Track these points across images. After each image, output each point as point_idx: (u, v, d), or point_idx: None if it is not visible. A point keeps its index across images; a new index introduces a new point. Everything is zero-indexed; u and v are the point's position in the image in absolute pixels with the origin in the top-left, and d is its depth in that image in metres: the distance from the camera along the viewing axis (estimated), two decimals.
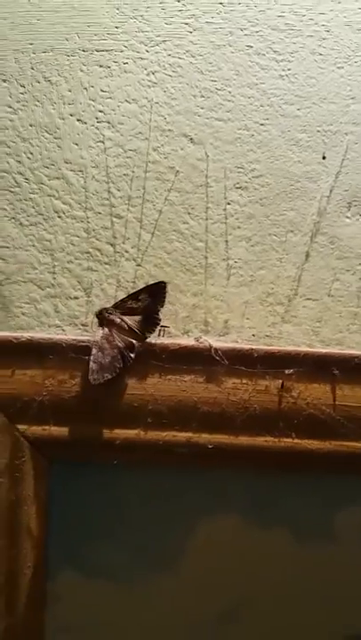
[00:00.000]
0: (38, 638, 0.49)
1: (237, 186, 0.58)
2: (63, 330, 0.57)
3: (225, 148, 0.59)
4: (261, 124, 0.59)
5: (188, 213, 0.58)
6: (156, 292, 0.51)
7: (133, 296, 0.52)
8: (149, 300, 0.52)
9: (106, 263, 0.58)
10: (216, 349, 0.49)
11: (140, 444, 0.49)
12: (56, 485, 0.50)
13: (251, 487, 0.51)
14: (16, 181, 0.58)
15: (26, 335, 0.50)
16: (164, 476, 0.51)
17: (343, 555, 0.51)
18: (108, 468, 0.51)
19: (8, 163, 0.58)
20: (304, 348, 0.51)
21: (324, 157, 0.58)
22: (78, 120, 0.58)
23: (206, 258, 0.58)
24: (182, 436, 0.49)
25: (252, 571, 0.52)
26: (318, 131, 0.58)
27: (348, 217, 0.58)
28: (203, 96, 0.58)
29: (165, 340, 0.50)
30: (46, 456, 0.50)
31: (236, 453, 0.49)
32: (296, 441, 0.49)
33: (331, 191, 0.58)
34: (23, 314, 0.57)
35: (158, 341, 0.50)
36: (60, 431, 0.49)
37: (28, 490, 0.49)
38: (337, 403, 0.49)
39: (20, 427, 0.49)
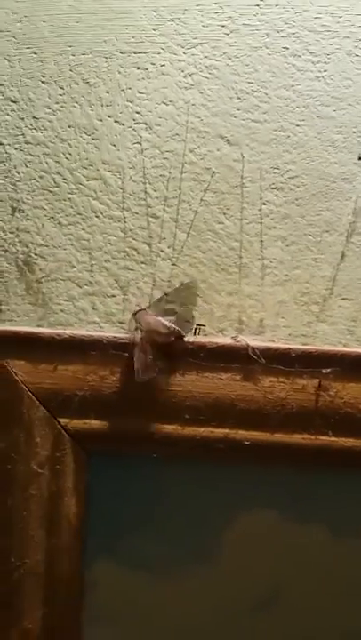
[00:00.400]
0: (75, 627, 0.51)
1: (273, 186, 0.59)
2: (101, 327, 0.58)
3: (261, 149, 0.60)
4: (297, 126, 0.60)
5: (224, 214, 0.59)
6: (186, 293, 0.53)
7: (168, 296, 0.53)
8: (182, 300, 0.53)
9: (142, 262, 0.59)
10: (253, 348, 0.50)
11: (178, 438, 0.51)
12: (95, 478, 0.52)
13: (288, 483, 0.52)
14: (55, 182, 0.60)
15: (68, 332, 0.52)
16: (202, 470, 0.52)
17: None
18: (146, 461, 0.52)
19: (47, 163, 0.60)
20: (341, 348, 0.52)
21: (359, 158, 0.59)
22: (116, 121, 0.60)
23: (241, 257, 0.59)
24: (219, 432, 0.50)
25: (287, 563, 0.52)
26: (354, 132, 0.59)
27: None
28: (239, 98, 0.60)
29: (202, 339, 0.51)
30: (86, 449, 0.51)
31: (273, 450, 0.50)
32: (333, 439, 0.50)
33: None
34: (62, 310, 0.59)
35: (196, 340, 0.51)
36: (99, 425, 0.51)
37: (68, 482, 0.51)
38: None
39: (62, 420, 0.51)
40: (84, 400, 0.50)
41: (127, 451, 0.51)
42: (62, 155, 0.60)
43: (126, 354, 0.51)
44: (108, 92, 0.59)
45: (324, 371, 0.50)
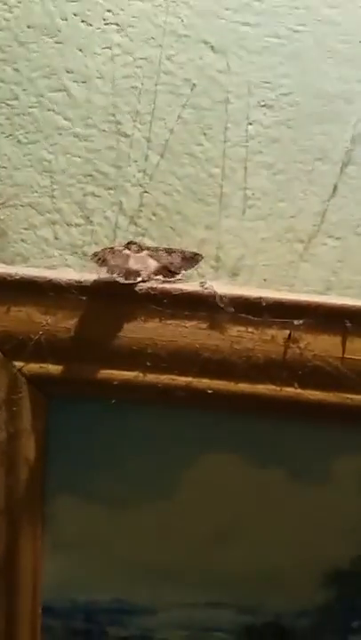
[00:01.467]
0: (37, 555, 0.52)
1: (262, 104, 0.53)
2: (65, 259, 0.55)
3: (250, 59, 0.53)
4: (295, 32, 0.52)
5: (204, 134, 0.54)
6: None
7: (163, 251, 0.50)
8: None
9: (109, 188, 0.54)
10: (221, 296, 0.47)
11: (139, 385, 0.48)
12: (54, 420, 0.51)
13: (250, 430, 0.51)
14: (14, 93, 0.54)
15: (20, 272, 0.48)
16: (164, 414, 0.50)
17: (334, 495, 0.52)
18: (106, 404, 0.51)
19: (3, 71, 0.54)
20: (316, 298, 0.48)
21: None
22: (83, 21, 0.53)
23: (222, 186, 0.54)
24: (182, 380, 0.48)
25: (245, 501, 0.53)
26: None
27: None
28: None
29: (167, 285, 0.48)
30: (44, 392, 0.50)
31: (236, 400, 0.48)
32: (299, 391, 0.48)
33: None
34: (22, 240, 0.55)
35: (159, 286, 0.48)
36: (57, 369, 0.48)
37: (25, 423, 0.49)
38: (346, 356, 0.47)
39: (17, 363, 0.49)
40: (40, 344, 0.48)
41: (86, 396, 0.50)
42: (21, 61, 0.53)
43: (84, 297, 0.48)
44: None
45: (295, 322, 0.46)
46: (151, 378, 0.47)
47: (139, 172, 0.52)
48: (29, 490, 0.49)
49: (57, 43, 0.52)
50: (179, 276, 0.47)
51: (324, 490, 0.52)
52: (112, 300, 0.47)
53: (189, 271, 0.52)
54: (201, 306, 0.46)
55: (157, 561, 0.53)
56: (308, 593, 0.54)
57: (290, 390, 0.46)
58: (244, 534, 0.53)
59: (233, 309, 0.45)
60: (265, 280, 0.51)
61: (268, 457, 0.52)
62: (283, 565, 0.53)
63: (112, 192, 0.53)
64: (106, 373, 0.47)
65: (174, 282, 0.47)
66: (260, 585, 0.54)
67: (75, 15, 0.51)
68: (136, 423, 0.51)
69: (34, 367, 0.48)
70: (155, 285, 0.46)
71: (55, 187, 0.53)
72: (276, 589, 0.54)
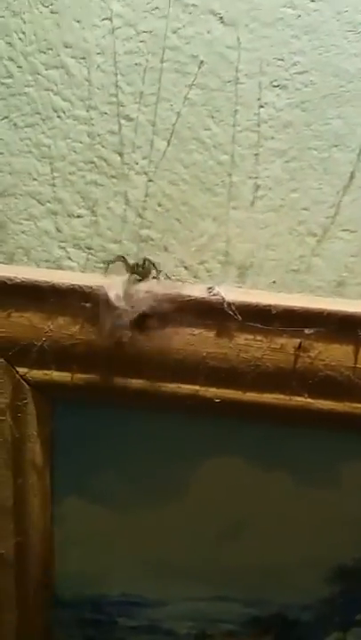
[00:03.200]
0: (47, 552, 0.56)
1: (275, 84, 0.50)
2: (67, 252, 0.55)
3: (262, 33, 0.49)
4: (312, 0, 0.49)
5: (212, 117, 0.51)
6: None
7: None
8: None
9: (112, 176, 0.53)
10: (230, 304, 0.47)
11: (145, 394, 0.49)
12: (60, 424, 0.53)
13: (256, 436, 0.51)
14: (8, 70, 0.52)
15: (21, 276, 0.48)
16: (171, 419, 0.52)
17: (340, 498, 0.53)
18: (112, 410, 0.52)
19: None
20: (328, 306, 0.48)
21: None
22: None
23: (230, 175, 0.52)
24: (188, 388, 0.49)
25: (249, 503, 0.54)
26: None
27: None
28: None
29: (173, 291, 0.48)
30: (49, 398, 0.51)
31: (244, 409, 0.49)
32: (309, 400, 0.49)
33: None
34: (23, 232, 0.55)
35: (167, 292, 0.48)
36: (61, 376, 0.49)
37: (31, 429, 0.51)
38: (358, 365, 0.48)
39: (20, 369, 0.50)
40: (43, 350, 0.49)
41: (91, 402, 0.51)
42: (15, 34, 0.50)
43: (89, 304, 0.48)
44: None
45: (306, 331, 0.47)
46: (157, 387, 0.48)
47: (143, 158, 0.51)
48: (38, 493, 0.52)
49: (52, 13, 0.49)
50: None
51: (330, 493, 0.52)
52: None
53: (196, 265, 0.52)
54: (208, 313, 0.46)
55: (165, 559, 0.55)
56: (312, 588, 0.56)
57: (300, 400, 0.47)
58: (250, 534, 0.55)
59: (241, 318, 0.46)
60: (274, 282, 0.51)
61: (273, 461, 0.52)
62: (288, 563, 0.55)
63: (115, 181, 0.51)
64: (110, 382, 0.48)
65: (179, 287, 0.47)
66: (266, 580, 0.56)
67: None
68: (141, 429, 0.51)
69: (38, 373, 0.48)
70: (163, 292, 0.46)
71: (56, 174, 0.51)
72: (281, 585, 0.56)
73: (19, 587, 0.52)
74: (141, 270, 0.49)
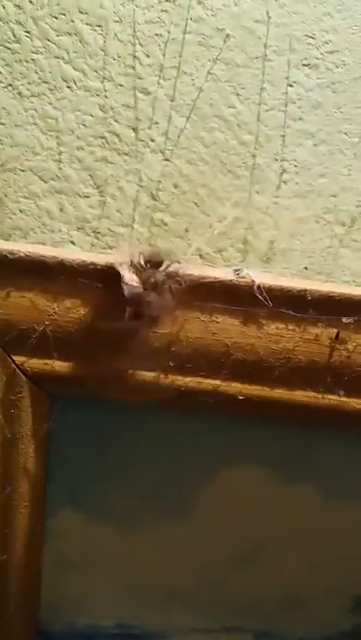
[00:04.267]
0: (34, 574, 0.49)
1: (305, 62, 0.48)
2: (70, 235, 0.50)
3: (293, 8, 0.47)
4: None
5: (237, 94, 0.48)
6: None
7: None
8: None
9: (125, 154, 0.49)
10: (260, 286, 0.43)
11: (158, 388, 0.44)
12: (59, 424, 0.47)
13: (282, 440, 0.46)
14: (14, 35, 0.48)
15: (24, 250, 0.43)
16: (184, 419, 0.47)
17: None
18: (119, 407, 0.47)
19: (3, 7, 0.47)
20: None
21: None
22: None
23: (254, 157, 0.49)
24: (208, 383, 0.44)
25: (270, 521, 0.49)
26: None
27: None
28: None
29: (195, 272, 0.43)
30: (48, 392, 0.45)
31: (271, 407, 0.44)
32: (343, 399, 0.44)
33: None
34: (21, 211, 0.50)
35: (186, 273, 0.43)
36: (62, 367, 0.44)
37: (25, 428, 0.45)
38: None
39: (17, 358, 0.44)
40: (45, 336, 0.43)
41: (95, 397, 0.46)
42: None
43: (101, 284, 0.43)
44: None
45: (344, 319, 0.43)
46: (173, 379, 0.43)
47: (160, 135, 0.47)
48: (29, 503, 0.45)
49: None
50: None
51: (358, 508, 0.49)
52: None
53: (213, 254, 0.48)
54: (234, 297, 0.42)
55: (169, 583, 0.49)
56: (333, 618, 0.51)
57: (333, 398, 0.43)
58: (266, 557, 0.49)
59: (271, 303, 0.41)
60: (306, 269, 0.47)
61: (299, 471, 0.47)
62: (308, 589, 0.50)
63: (128, 158, 0.47)
64: (120, 372, 0.43)
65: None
66: (282, 610, 0.50)
67: None
68: (151, 430, 0.46)
69: (37, 363, 0.43)
70: (180, 272, 0.42)
71: (62, 149, 0.47)
72: (299, 615, 0.50)
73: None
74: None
